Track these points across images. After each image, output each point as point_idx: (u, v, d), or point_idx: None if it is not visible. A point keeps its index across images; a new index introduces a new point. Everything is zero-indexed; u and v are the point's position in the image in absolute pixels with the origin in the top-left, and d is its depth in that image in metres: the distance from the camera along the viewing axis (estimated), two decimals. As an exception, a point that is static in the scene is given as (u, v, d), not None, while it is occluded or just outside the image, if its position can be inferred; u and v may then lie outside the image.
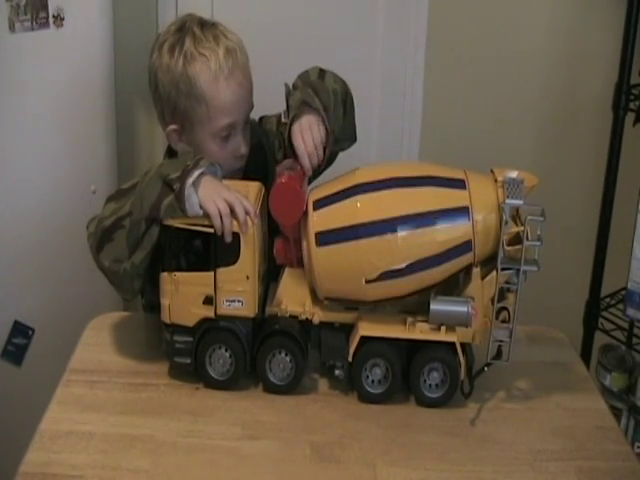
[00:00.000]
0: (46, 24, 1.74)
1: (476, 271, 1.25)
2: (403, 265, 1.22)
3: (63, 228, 1.83)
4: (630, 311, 1.95)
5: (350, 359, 1.28)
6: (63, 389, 1.29)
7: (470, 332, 1.27)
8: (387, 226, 1.22)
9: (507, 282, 1.25)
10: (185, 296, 1.26)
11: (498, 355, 1.29)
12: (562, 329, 1.52)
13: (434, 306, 1.25)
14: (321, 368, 1.33)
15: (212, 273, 1.25)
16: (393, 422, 1.26)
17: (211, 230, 1.23)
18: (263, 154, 1.56)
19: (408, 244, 1.22)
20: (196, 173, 1.24)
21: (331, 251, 1.24)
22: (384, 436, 1.23)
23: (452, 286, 1.29)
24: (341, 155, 1.53)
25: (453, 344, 1.26)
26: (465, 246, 1.23)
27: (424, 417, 1.28)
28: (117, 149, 2.05)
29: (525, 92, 2.26)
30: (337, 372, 1.29)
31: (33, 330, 1.86)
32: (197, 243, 1.25)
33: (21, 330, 1.84)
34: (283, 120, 1.50)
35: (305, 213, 1.26)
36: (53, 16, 1.75)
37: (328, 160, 1.43)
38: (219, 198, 1.23)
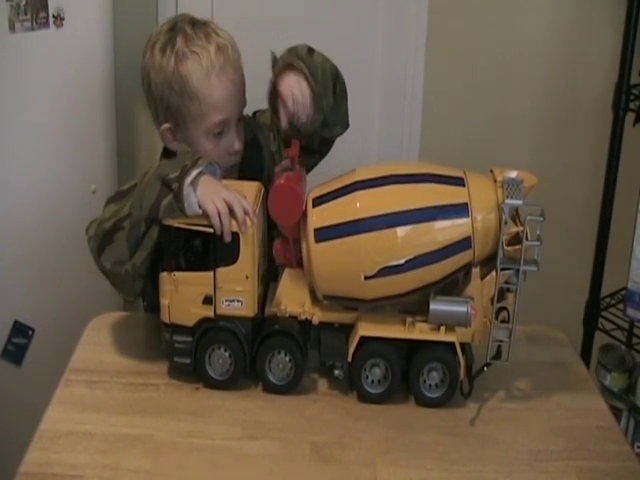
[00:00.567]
0: (46, 24, 1.74)
1: (475, 271, 1.25)
2: (402, 261, 1.22)
3: (63, 228, 1.84)
4: (630, 311, 1.95)
5: (350, 359, 1.28)
6: (63, 389, 1.29)
7: (470, 332, 1.27)
8: (386, 221, 1.22)
9: (507, 282, 1.25)
10: (184, 296, 1.26)
11: (498, 355, 1.29)
12: (562, 329, 1.52)
13: (433, 306, 1.26)
14: (321, 368, 1.33)
15: (212, 273, 1.25)
16: (393, 422, 1.26)
17: (210, 230, 1.23)
18: (258, 149, 1.56)
19: (407, 240, 1.22)
20: (194, 173, 1.24)
21: (330, 247, 1.24)
22: (384, 436, 1.23)
23: (452, 286, 1.29)
24: (341, 155, 1.53)
25: (453, 344, 1.26)
26: (464, 243, 1.23)
27: (424, 417, 1.28)
28: (117, 149, 2.05)
29: (525, 92, 2.26)
30: (337, 372, 1.29)
31: (33, 330, 1.86)
32: (196, 243, 1.25)
33: (21, 330, 1.85)
34: (271, 80, 1.50)
35: (304, 212, 1.26)
36: (53, 16, 1.75)
37: (321, 148, 1.43)
38: (218, 198, 1.23)
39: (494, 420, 1.27)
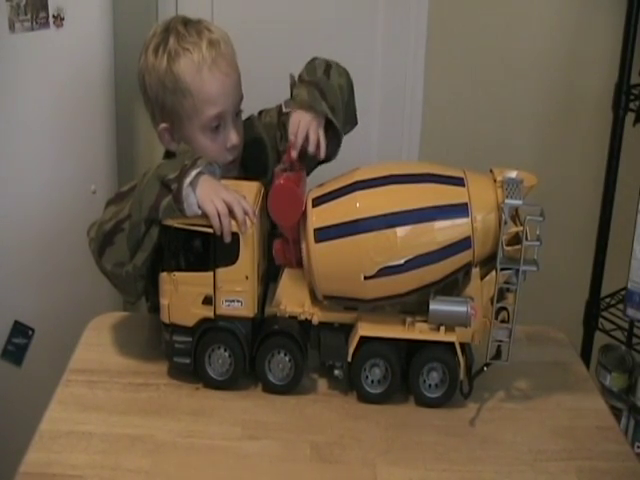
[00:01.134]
0: (46, 24, 1.74)
1: (475, 271, 1.25)
2: (402, 261, 1.22)
3: (63, 228, 1.84)
4: (630, 311, 1.95)
5: (349, 359, 1.28)
6: (63, 389, 1.29)
7: (469, 332, 1.27)
8: (386, 221, 1.22)
9: (506, 282, 1.25)
10: (184, 296, 1.26)
11: (497, 355, 1.29)
12: (562, 329, 1.52)
13: (433, 306, 1.26)
14: (321, 368, 1.33)
15: (211, 273, 1.25)
16: (393, 422, 1.26)
17: (210, 230, 1.23)
18: (263, 148, 1.55)
19: (407, 240, 1.22)
20: (193, 173, 1.24)
21: (330, 247, 1.24)
22: (384, 436, 1.23)
23: (452, 286, 1.29)
24: (341, 155, 1.53)
25: (452, 344, 1.26)
26: (464, 243, 1.23)
27: (424, 417, 1.28)
28: (117, 149, 2.05)
29: (525, 92, 2.26)
30: (336, 372, 1.29)
31: (33, 330, 1.86)
32: (196, 243, 1.25)
33: (21, 330, 1.85)
34: (284, 110, 1.51)
35: (304, 212, 1.26)
36: (53, 16, 1.75)
37: (334, 149, 1.44)
38: (217, 198, 1.23)
39: (494, 420, 1.27)
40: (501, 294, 1.26)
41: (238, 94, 1.47)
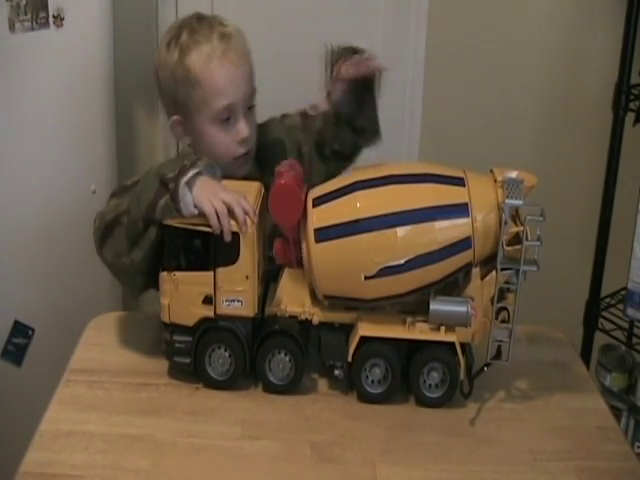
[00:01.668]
0: (46, 24, 1.74)
1: (476, 271, 1.25)
2: (402, 261, 1.22)
3: (63, 228, 1.84)
4: (630, 311, 1.95)
5: (350, 359, 1.28)
6: (63, 389, 1.29)
7: (470, 332, 1.27)
8: (386, 221, 1.22)
9: (507, 282, 1.25)
10: (184, 296, 1.26)
11: (498, 355, 1.29)
12: (562, 329, 1.52)
13: (434, 306, 1.26)
14: (321, 368, 1.33)
15: (212, 273, 1.25)
16: (393, 422, 1.26)
17: (211, 230, 1.23)
18: (283, 150, 1.55)
19: (407, 240, 1.22)
20: (191, 173, 1.24)
21: (330, 247, 1.24)
22: (384, 436, 1.23)
23: (452, 286, 1.29)
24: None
25: (453, 344, 1.26)
26: (464, 243, 1.23)
27: (424, 417, 1.27)
28: (117, 149, 2.05)
29: (525, 92, 2.26)
30: (337, 372, 1.29)
31: (33, 330, 1.86)
32: (197, 243, 1.25)
33: (21, 330, 1.84)
34: (310, 113, 1.55)
35: (304, 212, 1.26)
36: (53, 16, 1.75)
37: (352, 154, 1.49)
38: (215, 198, 1.22)
39: (494, 420, 1.27)
40: (501, 294, 1.26)
41: (249, 87, 1.47)
